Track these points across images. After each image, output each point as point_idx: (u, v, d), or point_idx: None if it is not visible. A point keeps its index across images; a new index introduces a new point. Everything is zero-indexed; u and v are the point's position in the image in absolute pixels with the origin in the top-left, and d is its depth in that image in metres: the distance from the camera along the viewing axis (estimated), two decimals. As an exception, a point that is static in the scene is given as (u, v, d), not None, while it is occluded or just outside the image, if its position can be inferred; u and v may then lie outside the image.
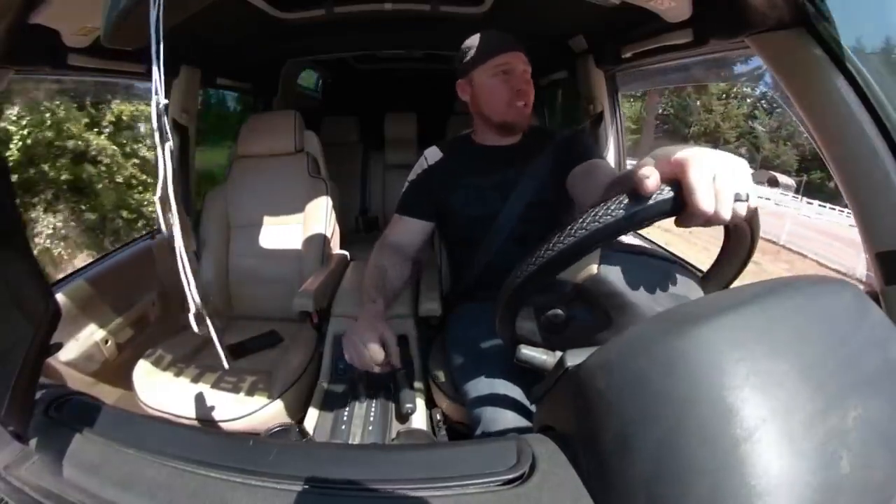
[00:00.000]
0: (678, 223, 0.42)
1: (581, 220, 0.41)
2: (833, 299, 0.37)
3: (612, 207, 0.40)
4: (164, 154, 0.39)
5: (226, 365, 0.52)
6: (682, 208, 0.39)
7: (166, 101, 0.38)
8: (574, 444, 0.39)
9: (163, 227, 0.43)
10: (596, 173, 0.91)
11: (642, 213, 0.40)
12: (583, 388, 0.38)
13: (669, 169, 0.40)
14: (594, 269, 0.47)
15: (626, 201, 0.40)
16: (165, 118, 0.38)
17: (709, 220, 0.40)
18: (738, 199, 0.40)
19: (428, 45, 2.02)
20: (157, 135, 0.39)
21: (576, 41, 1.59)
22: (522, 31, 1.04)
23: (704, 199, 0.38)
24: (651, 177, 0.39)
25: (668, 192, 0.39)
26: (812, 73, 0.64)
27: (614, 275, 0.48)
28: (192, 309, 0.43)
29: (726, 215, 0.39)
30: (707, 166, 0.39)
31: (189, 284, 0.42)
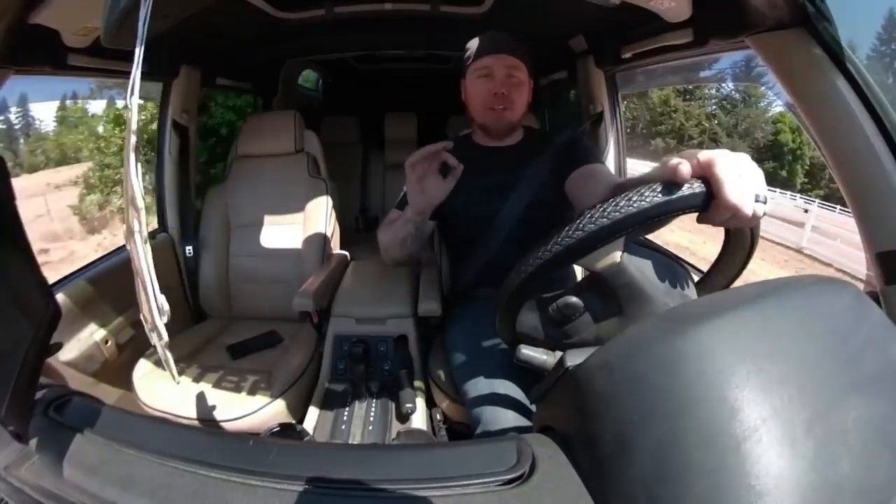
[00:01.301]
0: (703, 219, 0.43)
1: (614, 203, 0.41)
2: (833, 299, 0.37)
3: (647, 194, 0.40)
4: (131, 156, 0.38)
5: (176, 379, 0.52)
6: (710, 202, 0.40)
7: (141, 101, 0.38)
8: (574, 444, 0.39)
9: (137, 231, 0.42)
10: (596, 177, 0.92)
11: (675, 202, 0.40)
12: (582, 388, 0.38)
13: (696, 165, 0.41)
14: (617, 256, 0.46)
15: (659, 188, 0.40)
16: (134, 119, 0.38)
17: (734, 215, 0.41)
18: (757, 199, 0.41)
19: (428, 45, 2.02)
20: (128, 137, 0.38)
21: (576, 41, 1.59)
22: (522, 31, 1.04)
23: (733, 192, 0.39)
24: (683, 164, 0.40)
25: (698, 186, 0.40)
26: (812, 73, 0.63)
27: (635, 266, 0.47)
28: (155, 317, 0.43)
29: (749, 211, 0.40)
30: (733, 164, 0.40)
31: (150, 292, 0.42)
